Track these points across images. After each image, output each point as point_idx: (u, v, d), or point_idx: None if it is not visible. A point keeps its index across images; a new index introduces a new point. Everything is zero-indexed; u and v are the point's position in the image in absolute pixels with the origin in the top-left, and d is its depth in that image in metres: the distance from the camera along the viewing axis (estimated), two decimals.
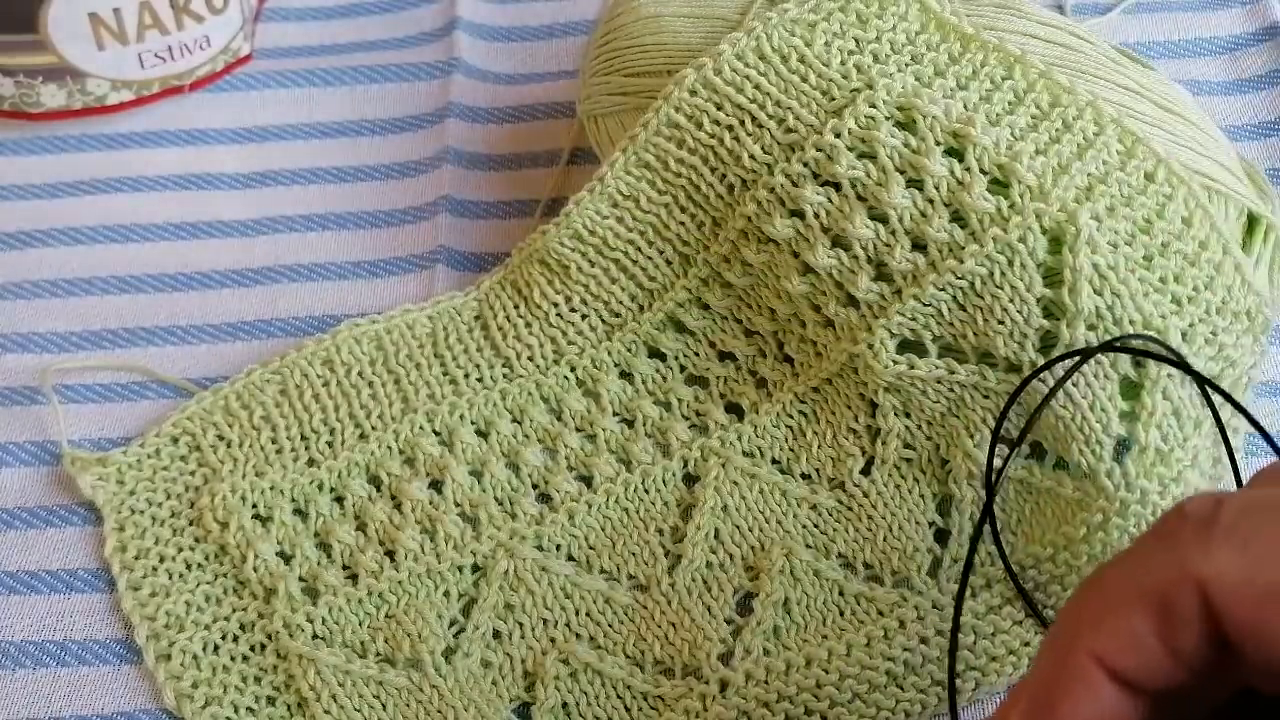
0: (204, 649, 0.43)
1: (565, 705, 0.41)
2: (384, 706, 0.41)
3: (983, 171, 0.41)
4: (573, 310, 0.49)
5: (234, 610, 0.43)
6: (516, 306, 0.49)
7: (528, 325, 0.49)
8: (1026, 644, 0.41)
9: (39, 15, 0.55)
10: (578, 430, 0.47)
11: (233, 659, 0.43)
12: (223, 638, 0.43)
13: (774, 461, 0.46)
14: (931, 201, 0.41)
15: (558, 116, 0.59)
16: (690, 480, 0.46)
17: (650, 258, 0.48)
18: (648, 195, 0.47)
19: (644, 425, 0.47)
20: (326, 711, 0.41)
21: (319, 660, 0.42)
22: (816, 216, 0.43)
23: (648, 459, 0.46)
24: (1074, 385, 0.40)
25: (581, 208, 0.48)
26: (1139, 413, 0.40)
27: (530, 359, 0.48)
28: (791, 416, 0.46)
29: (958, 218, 0.41)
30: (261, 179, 0.58)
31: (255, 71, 0.62)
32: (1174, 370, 0.40)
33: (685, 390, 0.47)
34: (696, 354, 0.48)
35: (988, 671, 0.41)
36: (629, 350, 0.48)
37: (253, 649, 0.43)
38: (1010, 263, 0.41)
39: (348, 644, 0.43)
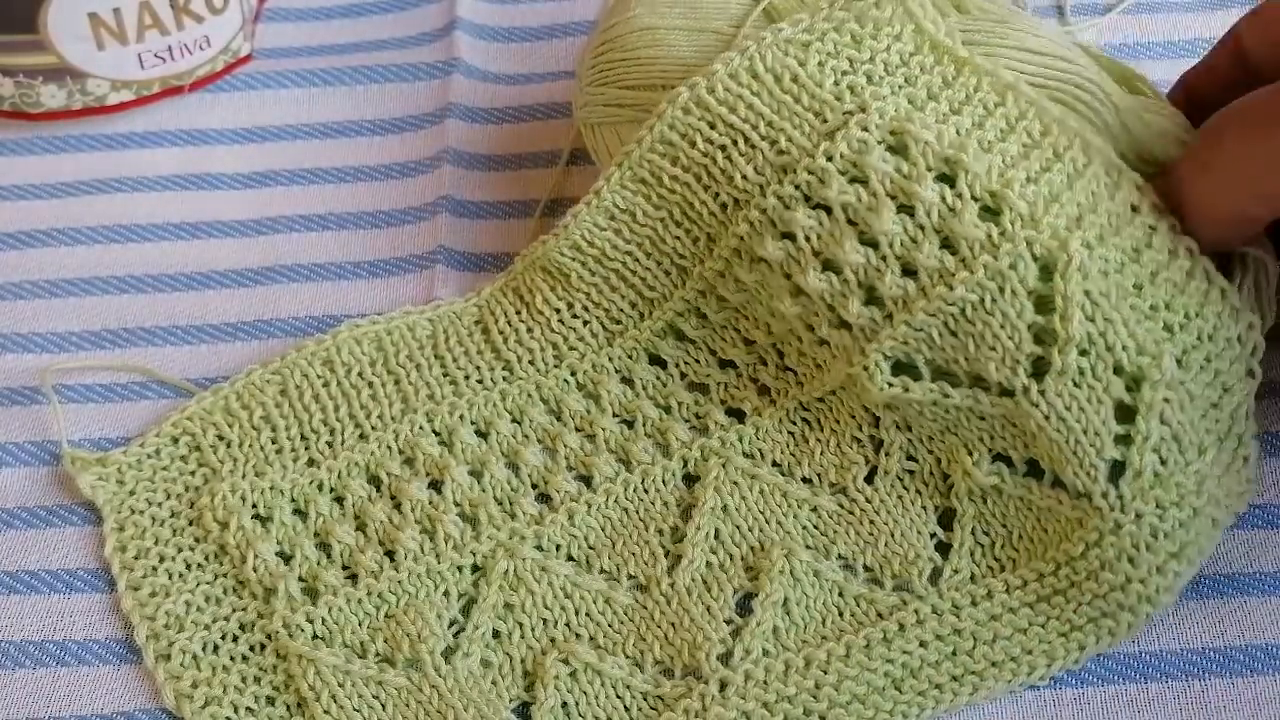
0: (203, 649, 0.43)
1: (565, 705, 0.41)
2: (383, 706, 0.41)
3: (974, 198, 0.41)
4: (574, 316, 0.49)
5: (234, 610, 0.44)
6: (519, 312, 0.49)
7: (529, 330, 0.49)
8: (1028, 651, 0.41)
9: (39, 15, 0.55)
10: (577, 430, 0.47)
11: (232, 659, 0.43)
12: (222, 638, 0.43)
13: (774, 464, 0.46)
14: (922, 228, 0.41)
15: (558, 116, 0.59)
16: (690, 480, 0.46)
17: (649, 269, 0.48)
18: (643, 209, 0.47)
19: (644, 426, 0.47)
20: (326, 711, 0.41)
21: (319, 660, 0.42)
22: (807, 239, 0.43)
23: (647, 459, 0.46)
24: (1067, 409, 0.40)
25: (579, 220, 0.48)
26: (1134, 437, 0.40)
27: (531, 362, 0.48)
28: (794, 423, 0.46)
29: (948, 244, 0.41)
30: (261, 179, 0.58)
31: (255, 71, 0.62)
32: (1172, 394, 0.40)
33: (686, 394, 0.47)
34: (697, 361, 0.48)
35: (986, 676, 0.41)
36: (629, 357, 0.48)
37: (252, 649, 0.43)
38: (1001, 290, 0.40)
39: (347, 644, 0.43)
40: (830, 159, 0.42)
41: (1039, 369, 0.41)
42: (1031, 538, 0.42)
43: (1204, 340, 0.41)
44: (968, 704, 0.41)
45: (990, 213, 0.41)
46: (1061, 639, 0.41)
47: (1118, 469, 0.40)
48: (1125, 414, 0.40)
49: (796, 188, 0.43)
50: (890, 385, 0.43)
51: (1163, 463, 0.40)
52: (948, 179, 0.41)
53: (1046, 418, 0.40)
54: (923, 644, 0.41)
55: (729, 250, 0.45)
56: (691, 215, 0.46)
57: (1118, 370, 0.40)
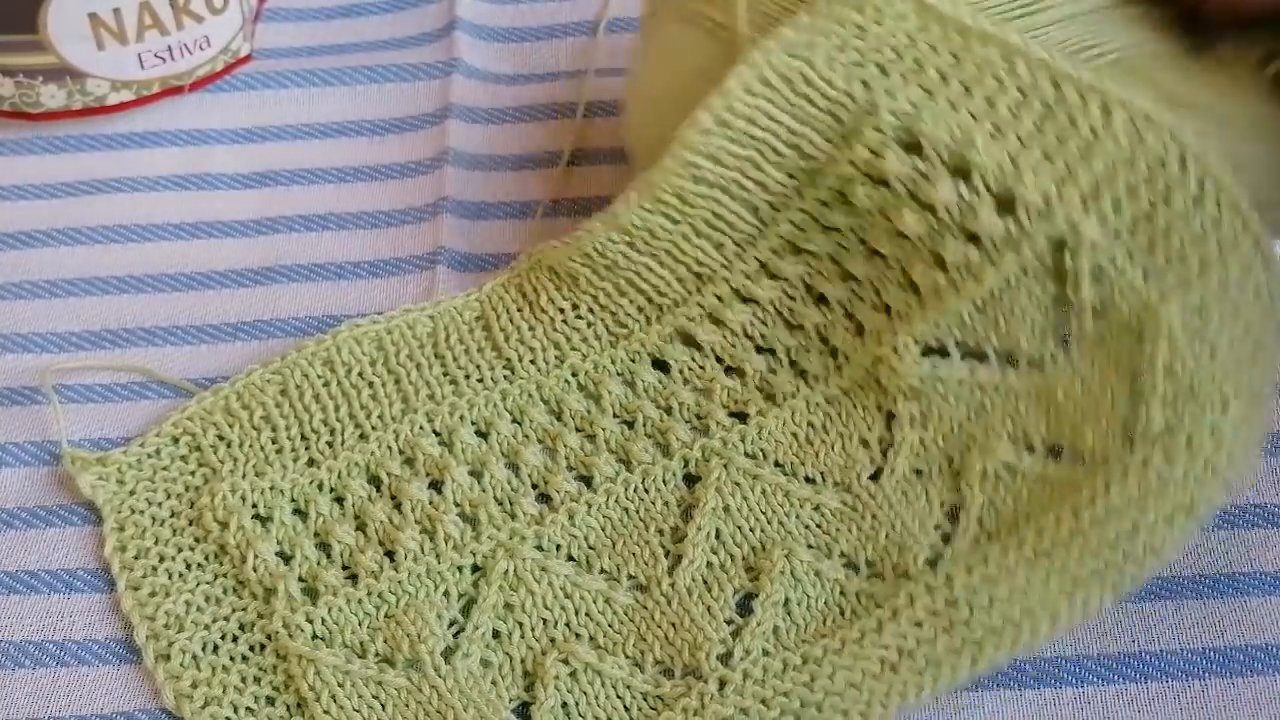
0: (203, 649, 0.43)
1: (565, 705, 0.41)
2: (383, 707, 0.41)
3: (989, 191, 0.41)
4: (579, 317, 0.49)
5: (233, 610, 0.44)
6: (520, 310, 0.49)
7: (531, 329, 0.49)
8: (1029, 612, 0.39)
9: (39, 15, 0.55)
10: (577, 430, 0.47)
11: (232, 659, 0.43)
12: (222, 638, 0.43)
13: (777, 464, 0.46)
14: (946, 225, 0.42)
15: (558, 116, 0.59)
16: (691, 480, 0.46)
17: (662, 277, 0.48)
18: (662, 226, 0.47)
19: (644, 425, 0.47)
20: (326, 712, 0.41)
21: (318, 660, 0.42)
22: (851, 230, 0.45)
23: (648, 459, 0.46)
24: (1082, 379, 0.41)
25: (593, 235, 0.48)
26: (1143, 390, 0.39)
27: (532, 361, 0.48)
28: (799, 425, 0.46)
29: (973, 238, 0.41)
30: (261, 179, 0.58)
31: (255, 71, 0.62)
32: (1181, 347, 0.39)
33: (688, 395, 0.47)
34: (702, 368, 0.48)
35: (985, 645, 0.40)
36: (632, 360, 0.48)
37: (252, 649, 0.43)
38: (1025, 272, 0.41)
39: (347, 644, 0.43)
40: (852, 164, 0.43)
41: (1063, 337, 0.41)
42: (1041, 510, 0.41)
43: (1228, 289, 0.40)
44: (969, 677, 0.40)
45: (1008, 203, 0.41)
46: (1064, 595, 0.39)
47: (1131, 428, 0.40)
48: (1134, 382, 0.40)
49: (829, 189, 0.44)
50: (919, 364, 0.43)
51: (1176, 415, 0.39)
52: (963, 172, 0.41)
53: (1070, 384, 0.41)
54: (917, 624, 0.41)
55: (767, 251, 0.46)
56: (718, 225, 0.46)
57: (1127, 329, 0.40)
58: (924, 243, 0.42)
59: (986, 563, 0.41)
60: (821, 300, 0.46)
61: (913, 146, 0.42)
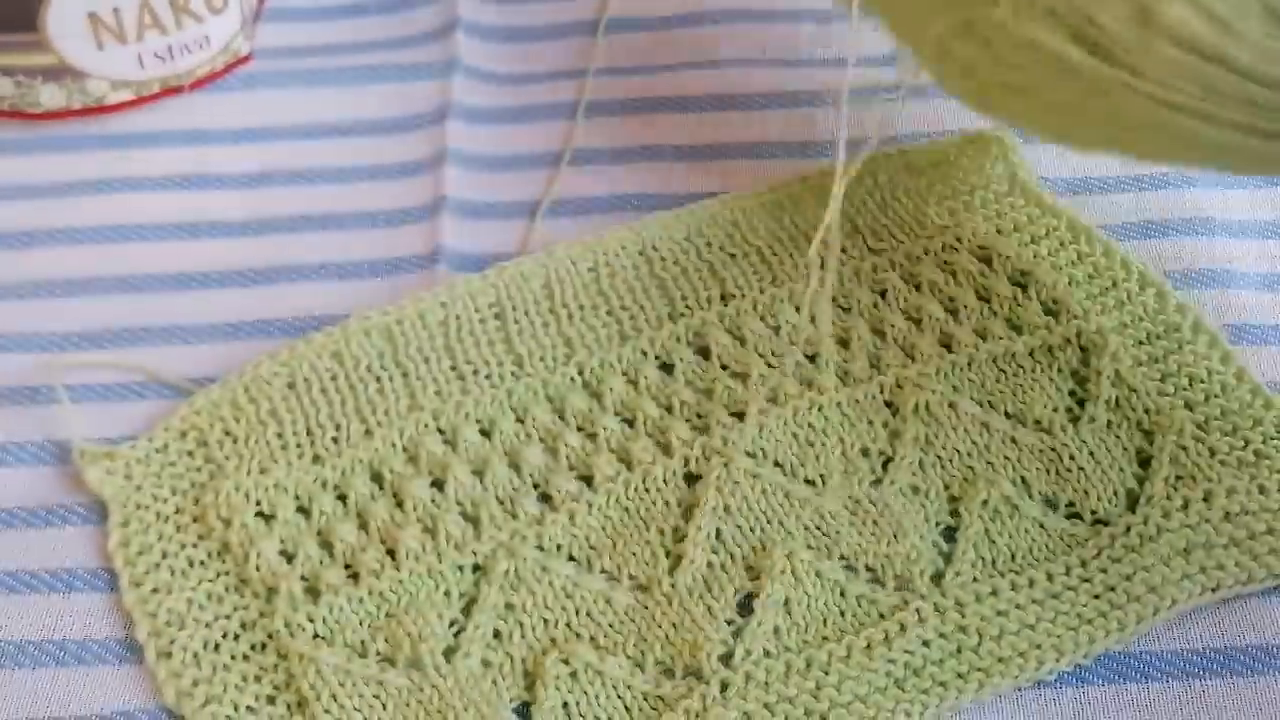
0: (204, 647, 0.43)
1: (565, 705, 0.41)
2: (384, 706, 0.41)
3: (1038, 297, 0.49)
4: (595, 315, 0.50)
5: (235, 609, 0.43)
6: (539, 304, 0.50)
7: (545, 325, 0.49)
8: (1036, 646, 0.41)
9: (38, 15, 0.55)
10: (579, 429, 0.47)
11: (233, 657, 0.43)
12: (223, 636, 0.43)
13: (777, 464, 0.46)
14: (995, 312, 0.49)
15: (558, 117, 0.59)
16: (691, 479, 0.46)
17: (694, 287, 0.50)
18: (767, 225, 0.52)
19: (644, 424, 0.47)
20: (326, 711, 0.41)
21: (319, 659, 0.42)
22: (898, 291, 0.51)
23: (648, 458, 0.46)
24: (1091, 451, 0.46)
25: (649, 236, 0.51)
26: (1151, 476, 0.45)
27: (541, 359, 0.49)
28: (800, 426, 0.46)
29: (1014, 326, 0.49)
30: (261, 179, 0.58)
31: (255, 71, 0.62)
32: (1187, 444, 0.45)
33: (689, 394, 0.47)
34: (705, 371, 0.48)
35: (992, 672, 0.41)
36: (639, 357, 0.48)
37: (253, 648, 0.43)
38: (1050, 353, 0.48)
39: (348, 643, 0.43)
40: (928, 253, 0.51)
41: (1074, 416, 0.46)
42: (1037, 556, 0.44)
43: (1226, 415, 0.46)
44: (973, 701, 0.41)
45: (1053, 304, 0.49)
46: (1071, 633, 0.41)
47: (1135, 498, 0.44)
48: (1147, 461, 0.45)
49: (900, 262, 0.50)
50: (941, 390, 0.47)
51: (1176, 490, 0.44)
52: (1020, 284, 0.50)
53: (1078, 452, 0.45)
54: (925, 642, 0.41)
55: (805, 291, 0.49)
56: (769, 260, 0.51)
57: (1138, 426, 0.46)
58: (971, 317, 0.49)
59: (997, 595, 0.42)
60: (844, 342, 0.49)
61: (983, 259, 0.51)
